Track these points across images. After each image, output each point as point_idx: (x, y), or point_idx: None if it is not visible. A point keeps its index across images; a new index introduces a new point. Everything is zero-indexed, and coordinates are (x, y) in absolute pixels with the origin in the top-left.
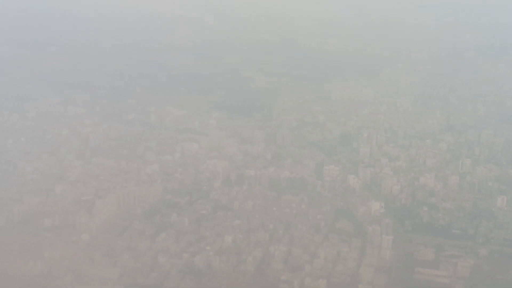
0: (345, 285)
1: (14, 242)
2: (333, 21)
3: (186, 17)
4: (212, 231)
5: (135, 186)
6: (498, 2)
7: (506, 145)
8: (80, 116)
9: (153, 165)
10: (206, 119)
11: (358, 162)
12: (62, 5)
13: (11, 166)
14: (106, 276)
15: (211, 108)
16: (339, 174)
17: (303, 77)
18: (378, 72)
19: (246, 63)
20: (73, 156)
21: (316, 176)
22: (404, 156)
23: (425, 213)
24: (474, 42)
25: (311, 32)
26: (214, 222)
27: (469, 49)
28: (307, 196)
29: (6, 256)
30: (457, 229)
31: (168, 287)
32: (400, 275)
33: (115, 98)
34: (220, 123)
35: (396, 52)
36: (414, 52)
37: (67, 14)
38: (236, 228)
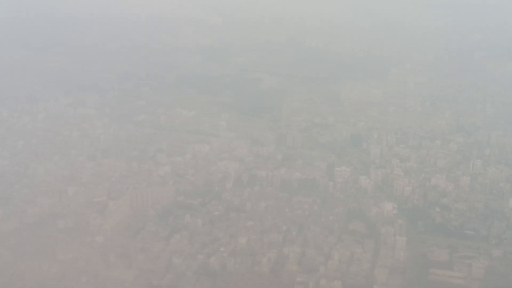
0: (360, 286)
1: (28, 244)
2: (339, 22)
3: (192, 18)
4: (226, 233)
5: (147, 188)
6: (505, 2)
7: None
8: (90, 118)
9: (164, 166)
10: (216, 120)
11: (369, 163)
12: (68, 6)
13: (23, 167)
14: (122, 278)
15: (221, 109)
16: (351, 175)
17: (311, 78)
18: (385, 73)
19: (254, 64)
20: (84, 158)
21: (328, 177)
22: (415, 157)
23: (437, 214)
24: (481, 42)
25: (318, 32)
26: (227, 223)
27: (476, 49)
28: (319, 197)
29: (21, 257)
30: (470, 230)
31: None
32: (414, 276)
33: (124, 99)
34: (230, 124)
35: (403, 52)
36: (421, 52)
37: (73, 15)
38: (249, 230)
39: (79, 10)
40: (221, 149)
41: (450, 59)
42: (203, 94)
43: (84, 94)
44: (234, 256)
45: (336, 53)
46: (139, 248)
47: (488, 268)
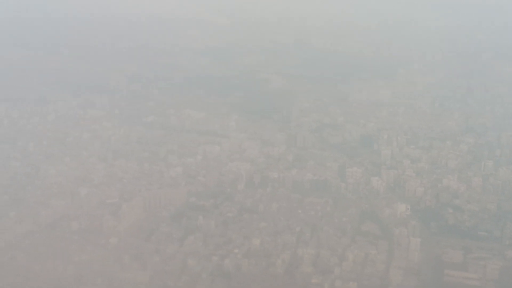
0: (375, 287)
1: (43, 246)
2: (346, 22)
3: (198, 19)
4: (239, 234)
5: (159, 189)
6: (509, 2)
7: None
8: (99, 119)
9: (176, 167)
10: (225, 121)
11: (380, 164)
12: (74, 7)
13: (34, 169)
14: (137, 279)
15: (230, 110)
16: (362, 176)
17: (319, 78)
18: (393, 73)
19: (261, 64)
20: (95, 159)
21: (340, 178)
22: (426, 157)
23: (450, 215)
24: (487, 43)
25: (324, 32)
26: (241, 224)
27: (483, 49)
28: (331, 198)
29: (36, 259)
30: (483, 231)
31: None
32: (429, 278)
33: (133, 100)
34: (240, 125)
35: (410, 52)
36: (428, 52)
37: (79, 16)
38: (263, 231)
39: (85, 10)
40: (232, 150)
41: (457, 59)
42: (211, 95)
43: (92, 95)
44: (248, 258)
45: (343, 54)
46: (153, 249)
47: (502, 269)
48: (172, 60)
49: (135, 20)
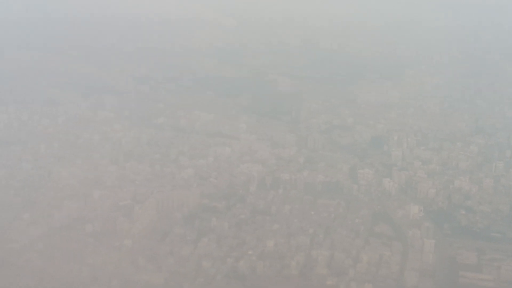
0: None
1: (57, 248)
2: (352, 23)
3: (205, 20)
4: (253, 236)
5: (171, 191)
6: None
7: None
8: (109, 121)
9: (187, 169)
10: (235, 122)
11: (391, 165)
12: (81, 8)
13: (46, 171)
14: (152, 282)
15: (239, 112)
16: (374, 178)
17: (326, 79)
18: (401, 74)
19: (269, 65)
20: (107, 161)
21: (351, 180)
22: (437, 159)
23: (462, 216)
24: (495, 43)
25: (331, 33)
26: (254, 226)
27: (491, 50)
28: (343, 200)
29: (51, 262)
30: (496, 232)
31: None
32: (444, 279)
33: (142, 102)
34: (250, 127)
35: (417, 53)
36: (435, 53)
37: (87, 18)
38: (276, 233)
39: (92, 12)
40: (243, 152)
41: (465, 60)
42: (220, 97)
43: (102, 97)
44: (263, 260)
45: (349, 54)
46: (167, 251)
47: None
48: (180, 61)
49: (142, 21)
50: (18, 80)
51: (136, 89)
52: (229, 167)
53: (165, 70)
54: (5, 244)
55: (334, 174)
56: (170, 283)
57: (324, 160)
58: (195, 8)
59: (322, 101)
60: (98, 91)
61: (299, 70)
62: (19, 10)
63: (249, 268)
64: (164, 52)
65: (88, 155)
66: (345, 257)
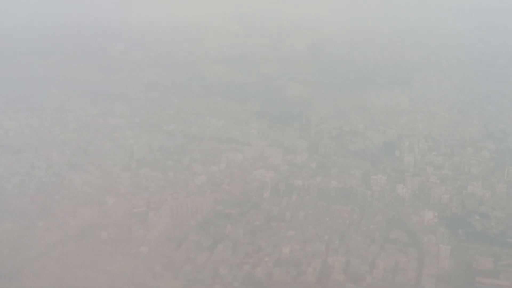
0: None
1: (73, 255)
2: (360, 28)
3: (212, 26)
4: (268, 242)
5: (185, 198)
6: None
7: None
8: (120, 127)
9: (200, 176)
10: (245, 128)
11: (403, 171)
12: (91, 15)
13: (60, 178)
14: None
15: (249, 118)
16: (387, 184)
17: (335, 85)
18: (409, 79)
19: (277, 71)
20: (119, 168)
21: (364, 186)
22: (449, 164)
23: (477, 222)
24: (503, 48)
25: (338, 39)
26: (269, 233)
27: (499, 54)
28: (357, 206)
29: (67, 269)
30: (511, 238)
31: None
32: (462, 285)
33: (152, 108)
34: (261, 133)
35: (426, 58)
36: (443, 58)
37: (96, 25)
38: (292, 239)
39: (101, 18)
40: (255, 158)
41: (473, 64)
42: (230, 102)
43: (111, 104)
44: (279, 266)
45: (358, 60)
46: (184, 258)
47: None
48: (189, 68)
49: (150, 28)
50: (28, 87)
51: (145, 96)
52: (242, 173)
53: (174, 76)
54: (21, 251)
55: (347, 180)
56: None
57: (336, 166)
58: (202, 14)
59: (331, 106)
60: (107, 97)
61: (308, 75)
62: (29, 17)
63: (266, 275)
64: (172, 58)
65: (101, 162)
66: (361, 263)
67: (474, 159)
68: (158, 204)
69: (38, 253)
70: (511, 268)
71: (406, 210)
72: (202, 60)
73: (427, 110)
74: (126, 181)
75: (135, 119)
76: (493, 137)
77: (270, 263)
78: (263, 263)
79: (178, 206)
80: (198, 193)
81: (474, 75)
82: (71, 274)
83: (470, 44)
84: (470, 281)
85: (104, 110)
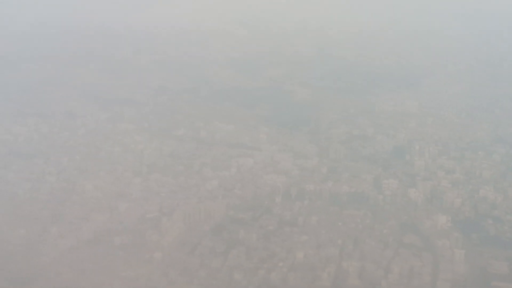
0: None
1: (88, 261)
2: (366, 32)
3: (218, 31)
4: (282, 247)
5: (198, 203)
6: None
7: None
8: (130, 133)
9: (211, 181)
10: (255, 133)
11: (414, 175)
12: (98, 21)
13: (71, 184)
14: None
15: (258, 122)
16: (398, 188)
17: (343, 89)
18: (417, 84)
19: (285, 76)
20: (130, 173)
21: (376, 190)
22: (460, 168)
23: (490, 226)
24: (509, 51)
25: (345, 43)
26: (282, 237)
27: (506, 58)
28: (370, 211)
29: (82, 275)
30: None
31: None
32: None
33: (161, 113)
34: (270, 138)
35: (433, 62)
36: (450, 62)
37: (101, 30)
38: (305, 244)
39: (107, 24)
40: (265, 163)
41: (480, 68)
42: (238, 107)
43: (120, 109)
44: (294, 271)
45: (365, 64)
46: (198, 264)
47: None
48: (196, 73)
49: (156, 32)
50: (35, 92)
51: (153, 101)
52: (253, 178)
53: (181, 81)
54: (35, 257)
55: (359, 184)
56: None
57: (347, 170)
58: (207, 19)
59: (340, 111)
60: (116, 103)
61: (316, 80)
62: (35, 21)
63: (281, 280)
64: (179, 63)
65: (111, 168)
66: (376, 268)
67: (485, 163)
68: (170, 209)
69: (52, 259)
70: None
71: (419, 215)
72: (209, 65)
73: (436, 114)
74: (138, 186)
75: (144, 124)
76: (503, 141)
77: (284, 268)
78: (277, 268)
79: (191, 211)
80: (210, 198)
81: (481, 78)
82: (86, 280)
83: (476, 48)
84: (485, 286)
85: (113, 115)
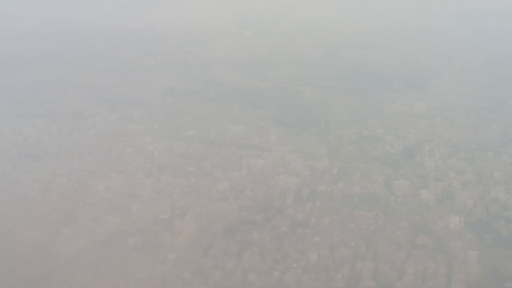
0: None
1: (101, 262)
2: (372, 33)
3: (224, 31)
4: (295, 248)
5: (210, 204)
6: None
7: None
8: (139, 134)
9: (223, 182)
10: (264, 134)
11: (425, 176)
12: (105, 22)
13: (82, 185)
14: None
15: (268, 123)
16: (410, 189)
17: (351, 90)
18: (425, 84)
19: (292, 77)
20: (141, 174)
21: (388, 191)
22: (470, 169)
23: (502, 227)
24: None
25: (352, 44)
26: (295, 239)
27: (510, 58)
28: (381, 212)
29: (96, 276)
30: None
31: None
32: None
33: (170, 114)
34: (280, 138)
35: (439, 63)
36: (457, 63)
37: (107, 31)
38: (318, 245)
39: (114, 24)
40: (275, 164)
41: (488, 69)
42: (246, 108)
43: (129, 110)
44: (308, 272)
45: (371, 64)
46: (212, 265)
47: None
48: (203, 73)
49: (162, 33)
50: (43, 94)
51: (162, 102)
52: (264, 179)
53: (189, 81)
54: (49, 259)
55: (370, 185)
56: None
57: (357, 171)
58: (213, 20)
59: (348, 111)
60: (124, 103)
61: (323, 81)
62: (44, 23)
63: (296, 281)
64: (186, 63)
65: (122, 168)
66: (390, 269)
67: (495, 163)
68: (182, 210)
69: (66, 260)
70: None
71: (431, 216)
72: (216, 66)
73: (445, 115)
74: (149, 187)
75: (153, 125)
76: None
77: (298, 270)
78: (291, 269)
79: (203, 212)
80: (222, 199)
81: (488, 79)
82: (101, 281)
83: (482, 48)
84: (499, 287)
85: (122, 116)
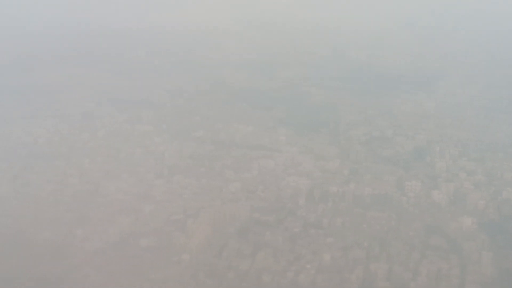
0: None
1: (115, 263)
2: (379, 33)
3: (230, 32)
4: (308, 249)
5: (222, 205)
6: None
7: None
8: (149, 134)
9: (234, 183)
10: (274, 135)
11: (436, 176)
12: (112, 22)
13: (93, 186)
14: None
15: (277, 124)
16: (422, 190)
17: (359, 91)
18: (433, 85)
19: (300, 77)
20: (152, 175)
21: (399, 192)
22: (481, 170)
23: None
24: None
25: (359, 44)
26: (308, 240)
27: None
28: (394, 213)
29: (110, 277)
30: None
31: None
32: None
33: (179, 115)
34: (290, 139)
35: (447, 63)
36: (465, 63)
37: (117, 31)
38: (331, 246)
39: (122, 25)
40: (286, 165)
41: (496, 70)
42: (255, 109)
43: (137, 110)
44: (322, 273)
45: (379, 65)
46: (226, 266)
47: None
48: (211, 74)
49: (168, 33)
50: (52, 94)
51: (170, 102)
52: (275, 180)
53: (197, 82)
54: (62, 260)
55: (381, 186)
56: None
57: (369, 172)
58: (220, 20)
59: (357, 112)
60: (132, 104)
61: (331, 81)
62: (52, 24)
63: (310, 282)
64: (193, 64)
65: (133, 169)
66: (403, 270)
67: (506, 164)
68: (195, 211)
69: (79, 261)
70: None
71: (444, 217)
72: (224, 66)
73: (454, 115)
74: (160, 188)
75: (163, 125)
76: None
77: (312, 270)
78: (305, 270)
79: (215, 213)
80: (233, 200)
81: (497, 80)
82: (115, 282)
83: (490, 49)
84: None
85: (131, 117)
